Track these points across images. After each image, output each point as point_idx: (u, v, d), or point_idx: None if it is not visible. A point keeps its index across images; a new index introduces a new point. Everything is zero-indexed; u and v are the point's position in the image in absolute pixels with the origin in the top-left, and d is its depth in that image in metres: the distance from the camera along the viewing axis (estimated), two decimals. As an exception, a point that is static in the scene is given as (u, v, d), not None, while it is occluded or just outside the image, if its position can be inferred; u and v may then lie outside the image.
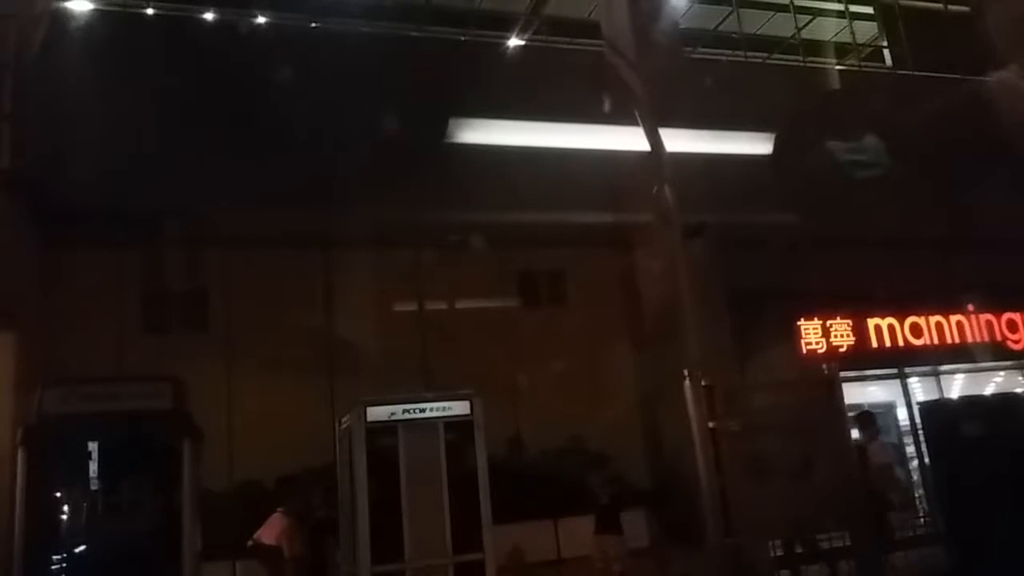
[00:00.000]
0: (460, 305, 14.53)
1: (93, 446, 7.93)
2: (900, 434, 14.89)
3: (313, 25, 13.13)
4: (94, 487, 7.87)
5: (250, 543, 9.99)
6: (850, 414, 10.25)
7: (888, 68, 17.52)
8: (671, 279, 10.48)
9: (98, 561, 7.64)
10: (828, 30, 17.28)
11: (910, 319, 14.74)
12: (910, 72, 16.62)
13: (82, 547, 7.70)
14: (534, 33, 14.95)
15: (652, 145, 10.47)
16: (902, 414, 14.93)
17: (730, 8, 15.95)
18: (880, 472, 10.01)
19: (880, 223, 13.61)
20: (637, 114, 10.97)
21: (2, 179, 10.37)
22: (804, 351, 14.08)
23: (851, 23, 17.01)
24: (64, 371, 10.62)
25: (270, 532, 9.85)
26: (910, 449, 14.64)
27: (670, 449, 12.89)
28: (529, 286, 14.87)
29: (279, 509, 10.02)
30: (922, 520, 13.38)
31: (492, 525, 9.51)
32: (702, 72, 14.29)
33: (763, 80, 15.34)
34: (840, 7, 17.09)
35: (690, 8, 16.02)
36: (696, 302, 9.92)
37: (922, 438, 12.91)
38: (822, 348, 14.17)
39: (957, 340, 15.01)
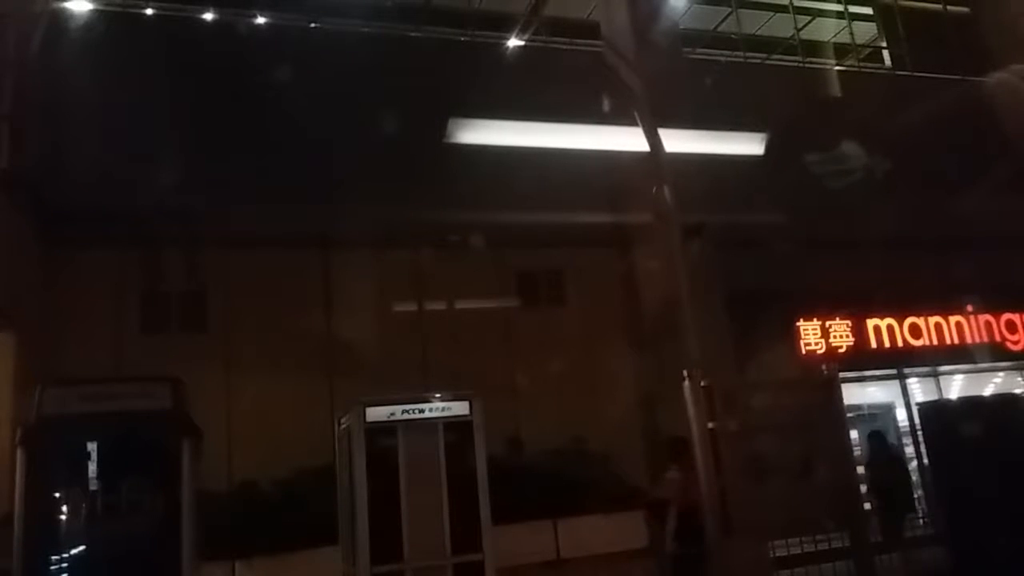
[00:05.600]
0: (460, 305, 14.52)
1: (92, 446, 7.92)
2: (899, 435, 14.90)
3: (312, 25, 13.12)
4: (93, 487, 7.86)
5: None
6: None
7: (887, 69, 17.52)
8: (670, 279, 10.46)
9: (98, 561, 7.64)
10: (827, 31, 17.29)
11: (909, 320, 14.75)
12: (909, 73, 16.63)
13: (81, 547, 7.69)
14: (533, 33, 14.95)
15: (651, 145, 10.44)
16: (901, 415, 14.93)
17: (729, 9, 15.95)
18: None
19: (879, 224, 13.62)
20: (636, 114, 10.94)
21: (2, 179, 10.36)
22: (803, 352, 14.08)
23: (850, 24, 17.01)
24: (63, 371, 10.64)
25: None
26: (909, 450, 14.65)
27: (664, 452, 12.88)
28: (528, 286, 14.87)
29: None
30: (921, 521, 13.37)
31: (491, 525, 9.51)
32: (701, 73, 14.29)
33: (762, 81, 15.34)
34: (839, 8, 17.10)
35: (689, 9, 16.03)
36: (695, 302, 9.90)
37: (921, 439, 12.91)
38: (821, 349, 14.18)
39: (956, 341, 15.03)
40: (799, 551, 9.39)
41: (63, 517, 7.76)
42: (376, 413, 9.68)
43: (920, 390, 15.37)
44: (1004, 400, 11.81)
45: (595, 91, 12.80)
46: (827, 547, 9.41)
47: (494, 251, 13.87)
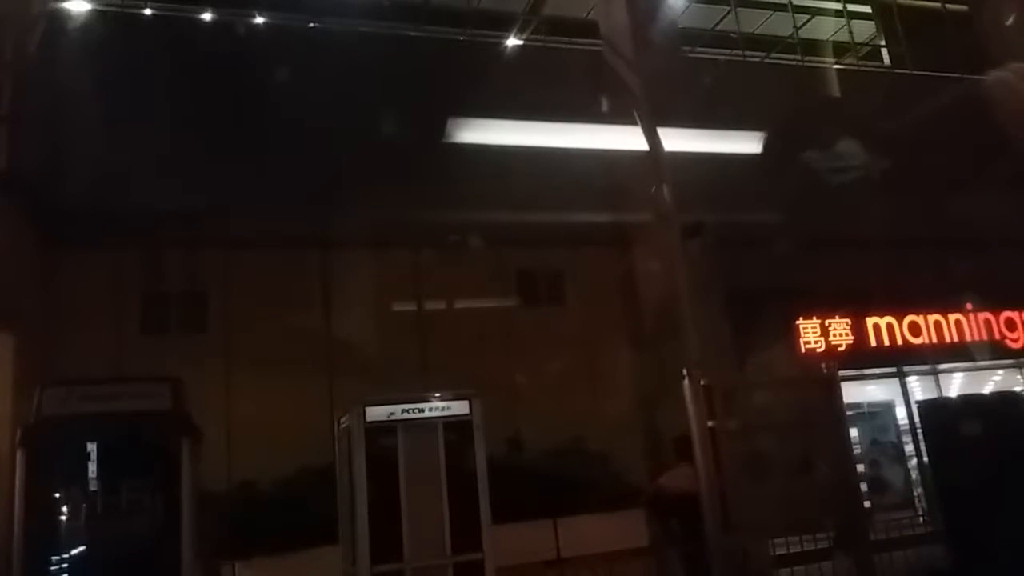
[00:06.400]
0: (459, 305, 14.53)
1: (92, 447, 7.95)
2: (899, 433, 14.91)
3: (311, 25, 13.12)
4: (93, 488, 7.89)
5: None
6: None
7: (886, 67, 17.53)
8: (670, 278, 10.47)
9: (97, 562, 7.66)
10: (826, 29, 17.28)
11: (909, 318, 14.74)
12: (908, 71, 16.63)
13: (81, 548, 7.71)
14: (532, 33, 14.95)
15: (650, 144, 10.46)
16: (901, 413, 14.94)
17: (728, 7, 15.95)
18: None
19: (878, 222, 13.62)
20: (635, 113, 10.95)
21: (1, 180, 10.36)
22: (803, 350, 14.08)
23: (849, 22, 17.02)
24: (63, 372, 10.64)
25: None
26: (909, 448, 14.66)
27: (669, 449, 12.90)
28: (528, 286, 14.87)
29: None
30: (921, 519, 13.39)
31: (491, 525, 9.52)
32: (700, 71, 14.29)
33: (761, 79, 15.34)
34: (838, 6, 17.10)
35: (688, 7, 16.03)
36: (695, 301, 9.92)
37: (921, 437, 12.93)
38: (821, 347, 14.17)
39: (956, 339, 15.02)
40: (799, 549, 9.42)
41: (63, 517, 7.79)
42: (376, 413, 9.70)
43: (920, 388, 15.38)
44: (1004, 398, 11.83)
45: (594, 90, 12.81)
46: (827, 545, 9.44)
47: (494, 250, 13.87)
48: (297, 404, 12.26)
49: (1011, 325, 15.49)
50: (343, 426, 10.36)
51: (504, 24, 14.77)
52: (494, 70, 13.41)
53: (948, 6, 17.69)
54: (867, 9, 17.91)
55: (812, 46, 16.72)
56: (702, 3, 16.29)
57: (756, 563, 9.16)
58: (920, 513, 13.83)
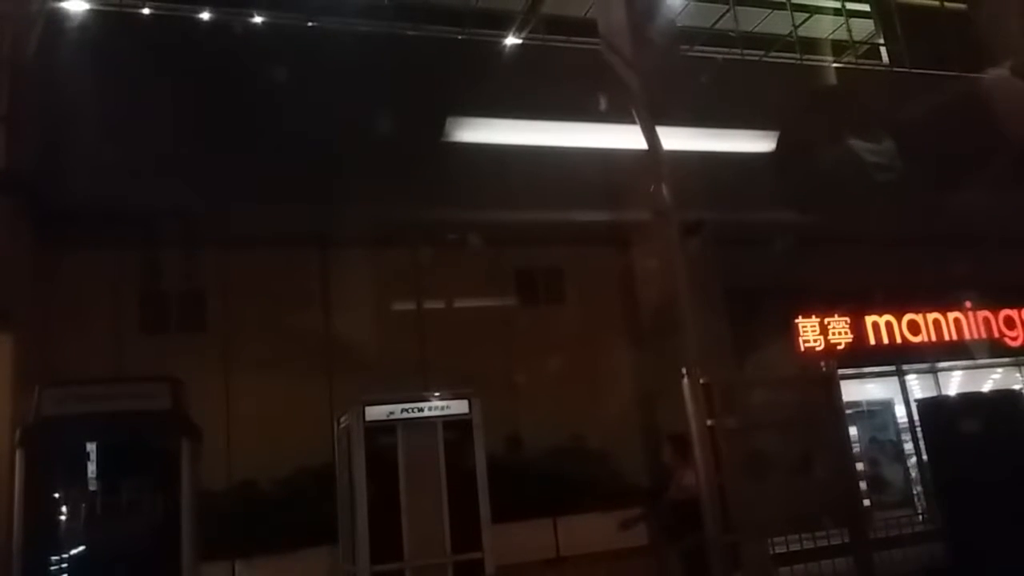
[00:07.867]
0: (458, 304, 14.53)
1: (92, 447, 7.96)
2: (898, 431, 14.93)
3: (310, 24, 13.12)
4: (93, 488, 7.89)
5: None
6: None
7: (885, 65, 17.54)
8: (669, 277, 10.48)
9: (97, 562, 7.66)
10: (825, 27, 17.29)
11: (908, 316, 14.76)
12: (907, 69, 16.64)
13: (81, 548, 7.72)
14: (531, 31, 14.95)
15: (649, 143, 10.46)
16: (900, 411, 14.96)
17: (727, 6, 15.95)
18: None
19: (877, 220, 13.63)
20: (634, 112, 10.96)
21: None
22: (802, 348, 14.10)
23: (848, 20, 17.03)
24: (62, 372, 10.64)
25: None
26: (908, 446, 14.68)
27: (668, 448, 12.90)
28: (527, 284, 14.86)
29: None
30: (920, 517, 13.41)
31: (491, 524, 9.53)
32: (699, 70, 14.28)
33: (760, 78, 15.34)
34: (837, 4, 17.11)
35: (687, 6, 16.03)
36: (694, 300, 9.92)
37: (920, 435, 12.94)
38: (820, 345, 14.19)
39: (955, 337, 15.04)
40: (798, 548, 9.43)
41: (63, 518, 7.79)
42: (375, 412, 9.72)
43: (919, 386, 15.39)
44: (1003, 396, 11.85)
45: (593, 89, 12.80)
46: (827, 543, 9.45)
47: (492, 249, 13.87)
48: (297, 403, 12.26)
49: (1010, 323, 15.52)
50: (343, 425, 10.38)
51: (503, 23, 14.77)
52: (493, 69, 13.41)
53: (947, 4, 17.70)
54: (866, 7, 17.92)
55: (811, 44, 16.73)
56: (701, 1, 16.30)
57: (755, 562, 9.17)
58: (919, 511, 13.85)
